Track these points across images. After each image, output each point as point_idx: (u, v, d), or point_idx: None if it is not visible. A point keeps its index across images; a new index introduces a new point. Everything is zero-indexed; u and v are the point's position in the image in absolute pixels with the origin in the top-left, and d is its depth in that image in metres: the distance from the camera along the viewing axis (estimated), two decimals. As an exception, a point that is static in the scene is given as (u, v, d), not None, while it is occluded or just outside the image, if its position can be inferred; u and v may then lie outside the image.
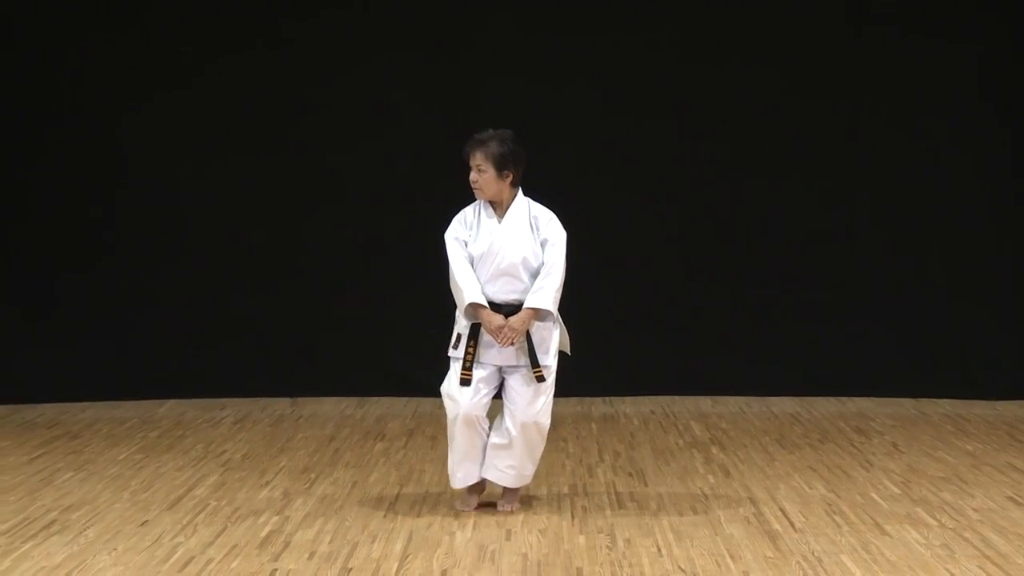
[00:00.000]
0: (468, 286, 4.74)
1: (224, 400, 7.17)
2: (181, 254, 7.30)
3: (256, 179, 7.28)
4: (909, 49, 7.20)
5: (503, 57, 7.22)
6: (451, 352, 4.84)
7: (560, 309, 5.51)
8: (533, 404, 4.80)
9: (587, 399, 7.23)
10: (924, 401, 7.17)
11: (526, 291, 4.76)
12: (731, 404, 7.12)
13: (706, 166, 7.31)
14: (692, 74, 7.27)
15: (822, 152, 7.32)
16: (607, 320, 7.30)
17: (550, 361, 4.81)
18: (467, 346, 4.76)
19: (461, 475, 4.89)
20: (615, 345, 7.28)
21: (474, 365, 4.76)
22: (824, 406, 7.07)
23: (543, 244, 4.80)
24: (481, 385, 4.79)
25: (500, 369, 4.82)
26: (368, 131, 7.24)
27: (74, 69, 7.19)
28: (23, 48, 7.18)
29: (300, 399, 7.23)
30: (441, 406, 6.78)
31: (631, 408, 7.04)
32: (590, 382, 7.30)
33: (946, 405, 7.08)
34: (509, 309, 4.77)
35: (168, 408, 7.03)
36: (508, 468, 4.84)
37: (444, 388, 4.87)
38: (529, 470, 4.89)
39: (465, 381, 4.76)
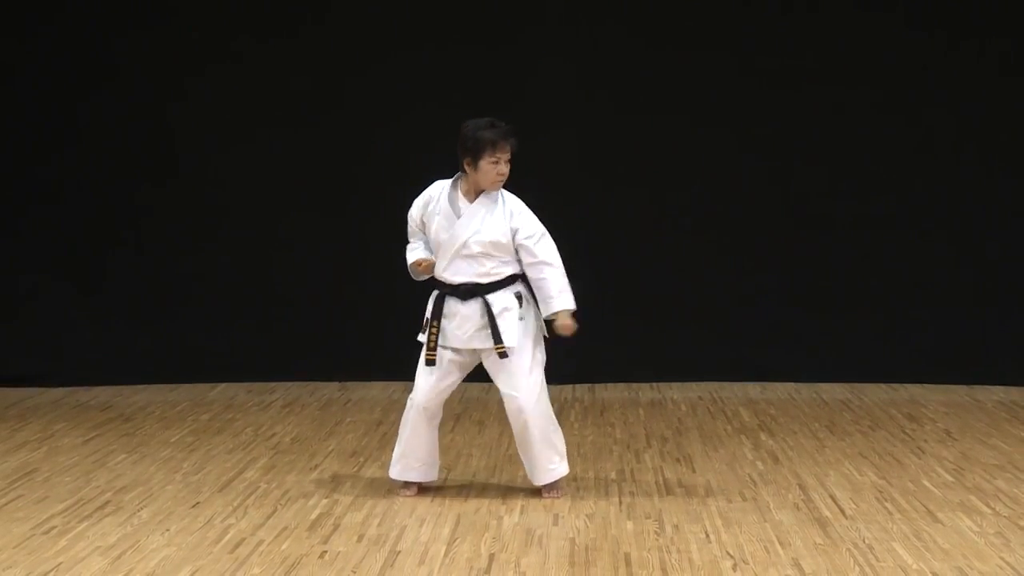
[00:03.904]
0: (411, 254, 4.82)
1: (274, 384, 7.23)
2: (233, 238, 7.36)
3: (305, 162, 7.32)
4: (937, 41, 7.11)
5: (542, 45, 7.20)
6: (420, 337, 4.82)
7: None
8: (524, 388, 4.72)
9: (634, 385, 7.21)
10: (977, 388, 7.07)
11: (484, 274, 4.72)
12: (780, 390, 7.07)
13: (754, 152, 7.24)
14: (737, 61, 7.20)
15: (870, 139, 7.22)
16: (655, 306, 7.27)
17: (517, 341, 4.71)
18: (431, 326, 4.74)
19: (400, 468, 4.89)
20: (662, 331, 7.24)
21: (438, 347, 4.74)
22: (875, 392, 7.00)
23: (516, 232, 4.73)
24: (443, 375, 4.77)
25: (466, 363, 4.79)
26: (415, 114, 7.25)
27: (122, 53, 7.26)
28: (67, 31, 7.25)
29: (348, 383, 7.27)
30: (488, 391, 6.82)
31: (679, 394, 7.01)
32: (637, 368, 7.29)
33: (1000, 392, 6.98)
34: (468, 288, 4.74)
35: (219, 392, 7.11)
36: (545, 464, 4.80)
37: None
38: (555, 462, 4.83)
39: (430, 361, 4.74)
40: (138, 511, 4.71)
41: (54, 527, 4.52)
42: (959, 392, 7.00)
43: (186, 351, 7.31)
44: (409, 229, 4.90)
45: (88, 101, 7.30)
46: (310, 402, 6.84)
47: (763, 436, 5.94)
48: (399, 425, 4.92)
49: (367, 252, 7.38)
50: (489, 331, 4.73)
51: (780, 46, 7.18)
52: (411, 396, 4.85)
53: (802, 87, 7.20)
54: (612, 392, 7.08)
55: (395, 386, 7.22)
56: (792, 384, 7.17)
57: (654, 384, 7.24)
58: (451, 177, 4.87)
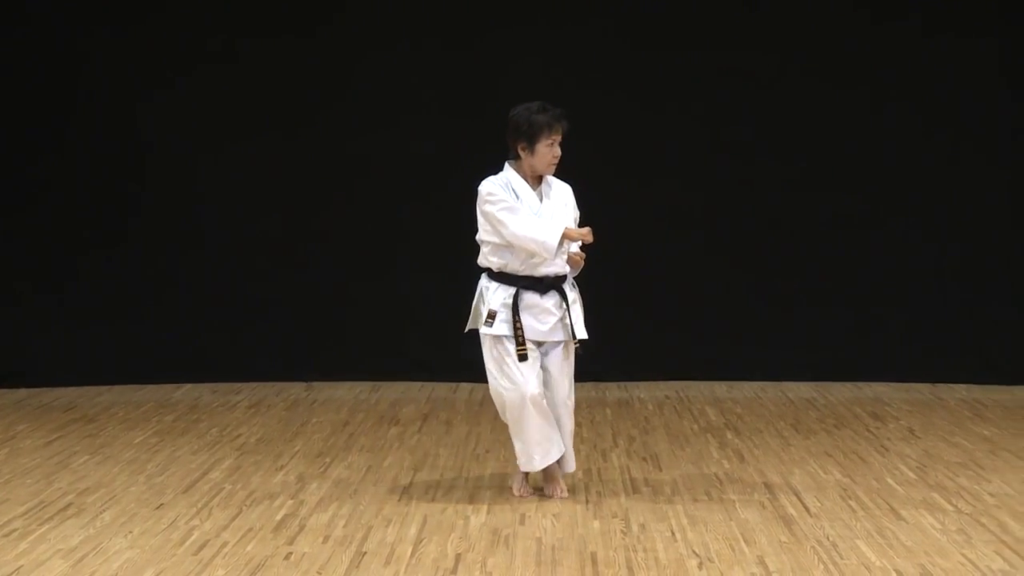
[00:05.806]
0: (544, 228, 4.63)
1: (239, 384, 7.19)
2: (198, 239, 7.32)
3: (274, 164, 7.29)
4: (933, 38, 7.16)
5: (523, 44, 7.19)
6: (486, 329, 4.72)
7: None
8: (570, 382, 4.84)
9: (602, 384, 7.22)
10: (941, 386, 7.13)
11: (562, 265, 4.76)
12: (746, 389, 7.10)
13: (723, 152, 7.28)
14: (712, 60, 7.22)
15: (841, 139, 7.27)
16: (622, 305, 7.28)
17: (583, 336, 4.79)
18: (515, 322, 4.69)
19: (539, 457, 4.79)
20: (630, 330, 7.26)
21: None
22: (840, 391, 7.05)
23: (577, 217, 4.86)
24: (534, 362, 4.74)
25: (538, 347, 4.80)
26: (385, 118, 7.24)
27: (96, 53, 7.20)
28: (42, 31, 7.19)
29: (315, 383, 7.24)
30: (455, 391, 6.81)
31: (645, 393, 7.03)
32: (604, 367, 7.29)
33: (963, 390, 7.05)
34: (550, 281, 4.75)
35: (184, 392, 7.06)
36: (571, 451, 4.87)
37: (495, 374, 4.73)
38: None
39: (523, 356, 4.71)
40: (101, 513, 4.66)
41: (15, 530, 4.47)
42: (923, 390, 7.06)
43: (151, 351, 7.25)
44: (510, 206, 4.66)
45: (60, 102, 7.23)
46: (276, 402, 6.80)
47: (729, 435, 5.97)
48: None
49: (334, 252, 7.36)
50: (566, 323, 4.74)
51: (760, 46, 7.19)
52: (511, 393, 4.68)
53: (775, 88, 7.22)
54: (579, 391, 6.98)
55: (362, 386, 7.20)
56: (758, 383, 7.21)
57: (621, 383, 7.26)
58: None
